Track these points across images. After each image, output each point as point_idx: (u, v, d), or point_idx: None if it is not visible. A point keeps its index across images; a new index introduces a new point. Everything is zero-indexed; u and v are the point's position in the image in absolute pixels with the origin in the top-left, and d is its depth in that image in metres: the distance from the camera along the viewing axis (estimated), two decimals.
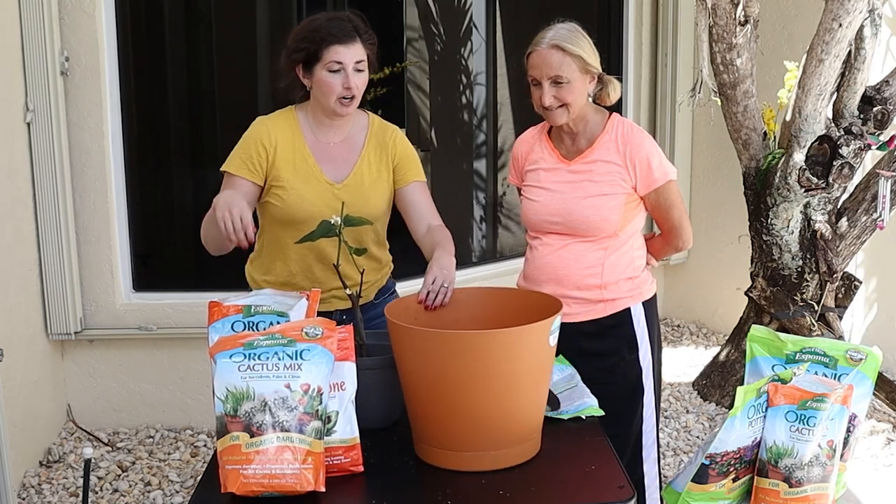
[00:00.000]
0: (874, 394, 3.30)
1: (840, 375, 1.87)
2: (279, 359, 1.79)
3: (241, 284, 2.60)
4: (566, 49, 2.41)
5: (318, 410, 1.79)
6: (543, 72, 2.42)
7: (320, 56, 2.38)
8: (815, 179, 3.66)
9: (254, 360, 1.79)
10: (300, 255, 2.49)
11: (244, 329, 1.93)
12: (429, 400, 1.90)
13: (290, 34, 2.46)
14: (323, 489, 1.78)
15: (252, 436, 1.76)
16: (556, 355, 2.02)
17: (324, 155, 2.49)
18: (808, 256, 3.89)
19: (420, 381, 1.90)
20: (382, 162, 2.52)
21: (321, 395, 1.80)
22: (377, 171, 2.51)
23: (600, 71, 2.50)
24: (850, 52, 3.65)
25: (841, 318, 4.02)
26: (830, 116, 3.77)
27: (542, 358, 1.91)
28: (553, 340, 1.92)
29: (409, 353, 1.91)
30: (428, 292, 2.15)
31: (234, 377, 1.78)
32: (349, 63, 2.38)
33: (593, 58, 2.46)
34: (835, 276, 3.87)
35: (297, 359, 1.80)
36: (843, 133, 3.70)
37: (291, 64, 2.45)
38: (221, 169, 2.46)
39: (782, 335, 1.95)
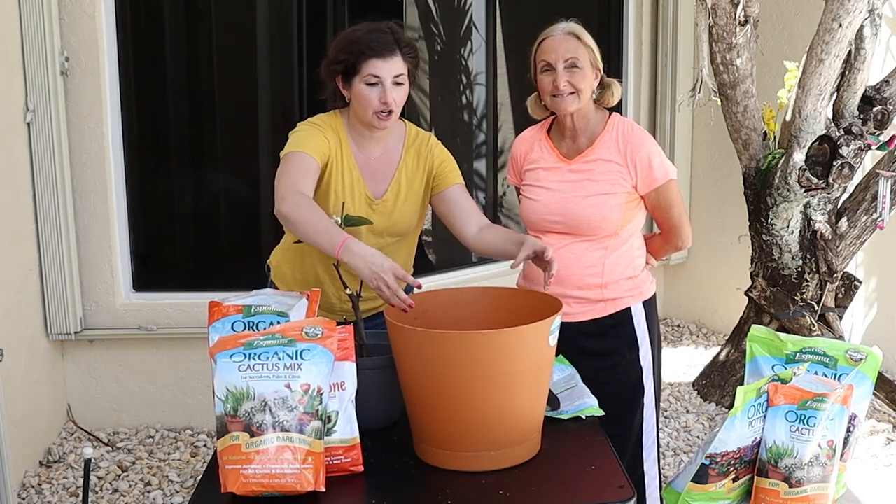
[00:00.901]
0: (874, 394, 3.30)
1: (840, 375, 1.87)
2: (279, 359, 1.79)
3: (241, 284, 2.60)
4: (581, 38, 2.46)
5: (318, 410, 1.79)
6: (559, 55, 2.44)
7: (358, 69, 2.36)
8: (815, 179, 3.65)
9: (254, 360, 1.79)
10: (324, 259, 2.46)
11: (244, 329, 1.93)
12: (428, 400, 1.90)
13: (332, 43, 2.45)
14: (323, 489, 1.78)
15: (252, 436, 1.76)
16: (556, 355, 2.02)
17: (366, 168, 2.49)
18: (808, 256, 3.89)
19: (420, 381, 1.90)
20: (418, 172, 2.52)
21: (321, 395, 1.80)
22: (411, 183, 2.51)
23: (602, 72, 2.51)
24: (850, 52, 3.65)
25: (841, 318, 4.02)
26: (830, 116, 3.76)
27: (541, 358, 1.91)
28: (553, 340, 1.92)
29: (409, 354, 1.91)
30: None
31: (234, 377, 1.78)
32: (387, 77, 2.36)
33: (599, 55, 2.49)
34: (835, 276, 3.87)
35: (297, 359, 1.80)
36: (843, 133, 3.70)
37: (331, 74, 2.44)
38: (291, 150, 2.37)
39: (782, 335, 1.94)
